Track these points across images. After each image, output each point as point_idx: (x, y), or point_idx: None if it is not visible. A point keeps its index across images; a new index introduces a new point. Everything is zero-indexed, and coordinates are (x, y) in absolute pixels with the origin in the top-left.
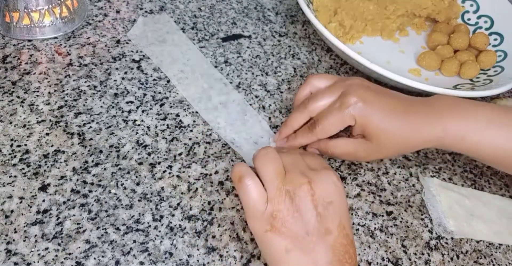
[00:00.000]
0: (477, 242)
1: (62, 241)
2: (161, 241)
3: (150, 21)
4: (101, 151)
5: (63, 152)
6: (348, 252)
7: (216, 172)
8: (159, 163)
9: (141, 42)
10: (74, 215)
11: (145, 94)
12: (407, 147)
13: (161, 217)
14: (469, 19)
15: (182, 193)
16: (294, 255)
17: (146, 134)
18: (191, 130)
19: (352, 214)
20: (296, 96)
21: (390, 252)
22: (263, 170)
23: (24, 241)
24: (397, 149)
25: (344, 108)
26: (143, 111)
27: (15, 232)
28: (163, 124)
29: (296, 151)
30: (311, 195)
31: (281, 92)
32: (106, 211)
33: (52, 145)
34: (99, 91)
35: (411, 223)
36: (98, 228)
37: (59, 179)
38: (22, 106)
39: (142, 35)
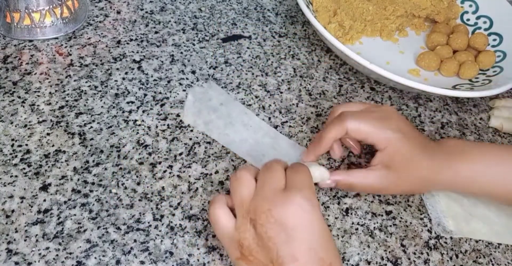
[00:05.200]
0: (476, 241)
1: (63, 241)
2: (161, 241)
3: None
4: (102, 151)
5: (64, 152)
6: None
7: (217, 172)
8: (160, 163)
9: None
10: (75, 215)
11: (145, 94)
12: (426, 183)
13: (162, 216)
14: (468, 20)
15: (182, 192)
16: None
17: (147, 134)
18: (191, 130)
19: (351, 213)
20: (327, 133)
21: (389, 252)
22: (233, 195)
23: (25, 240)
24: (418, 184)
25: (386, 128)
26: (143, 111)
27: (16, 231)
28: (164, 124)
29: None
30: (271, 222)
31: (281, 92)
32: (107, 210)
33: (53, 145)
34: (100, 91)
35: (410, 223)
36: (98, 227)
37: (60, 179)
38: (23, 106)
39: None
